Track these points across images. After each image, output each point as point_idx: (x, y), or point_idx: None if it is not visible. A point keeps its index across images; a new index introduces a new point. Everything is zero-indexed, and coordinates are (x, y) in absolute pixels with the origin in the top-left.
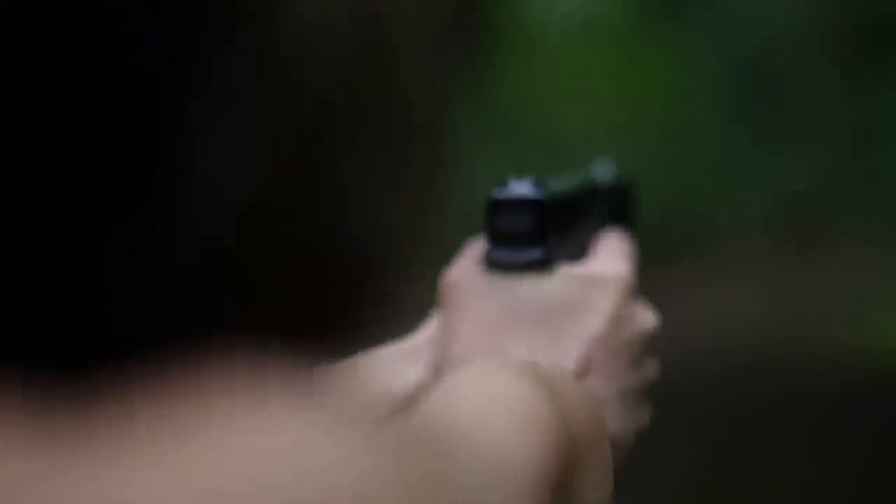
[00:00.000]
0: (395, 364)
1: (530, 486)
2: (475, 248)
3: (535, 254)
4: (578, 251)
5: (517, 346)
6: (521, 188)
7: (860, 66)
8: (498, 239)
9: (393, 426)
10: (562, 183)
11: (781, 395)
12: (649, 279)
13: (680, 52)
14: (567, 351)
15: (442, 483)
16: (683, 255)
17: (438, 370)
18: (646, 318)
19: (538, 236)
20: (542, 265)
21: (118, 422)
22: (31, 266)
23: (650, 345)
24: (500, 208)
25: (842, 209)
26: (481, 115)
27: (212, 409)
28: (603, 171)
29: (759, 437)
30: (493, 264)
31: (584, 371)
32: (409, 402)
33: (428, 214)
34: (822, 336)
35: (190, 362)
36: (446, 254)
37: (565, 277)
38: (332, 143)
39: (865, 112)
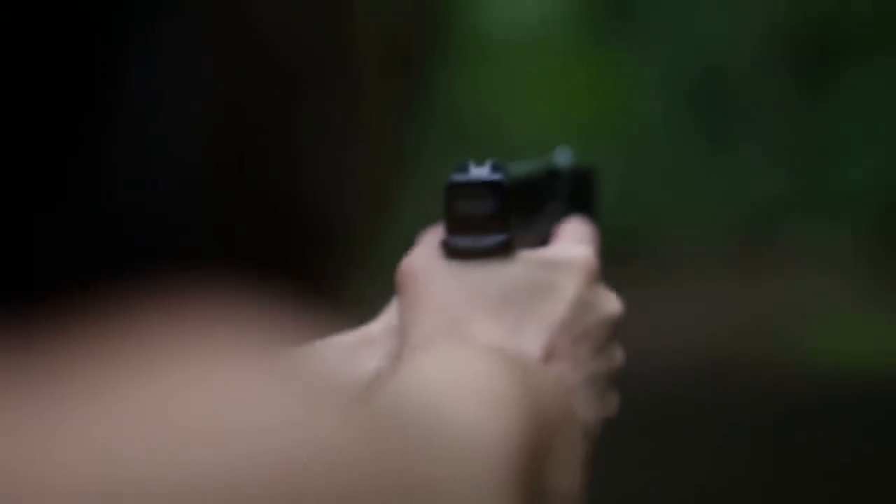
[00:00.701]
0: (351, 353)
1: (502, 468)
2: (433, 235)
3: (496, 239)
4: (541, 239)
5: (478, 334)
6: (480, 171)
7: (815, 77)
8: (458, 224)
9: (359, 403)
10: (522, 167)
11: (726, 410)
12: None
13: (635, 61)
14: (530, 337)
15: (410, 456)
16: (634, 264)
17: (397, 359)
18: (610, 303)
19: (500, 221)
20: (505, 251)
21: (80, 361)
22: None
23: (615, 331)
24: (460, 192)
25: (795, 218)
26: (436, 120)
27: (176, 354)
28: (563, 157)
29: (741, 448)
30: (453, 251)
31: (548, 357)
32: (370, 388)
33: (391, 192)
34: (768, 350)
35: (156, 305)
36: (403, 250)
37: (526, 262)
38: (293, 90)
39: (820, 123)
